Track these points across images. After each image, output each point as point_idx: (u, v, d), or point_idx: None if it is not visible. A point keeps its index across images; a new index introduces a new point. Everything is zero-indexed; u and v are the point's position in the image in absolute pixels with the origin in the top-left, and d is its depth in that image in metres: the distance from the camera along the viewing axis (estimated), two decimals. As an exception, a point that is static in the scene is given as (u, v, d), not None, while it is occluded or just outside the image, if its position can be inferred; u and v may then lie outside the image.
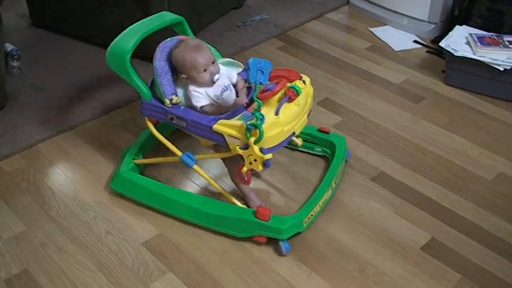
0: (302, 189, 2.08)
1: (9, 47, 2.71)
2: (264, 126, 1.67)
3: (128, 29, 1.93)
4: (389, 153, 2.25)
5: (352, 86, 2.68)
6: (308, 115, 1.86)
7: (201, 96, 1.83)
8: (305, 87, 1.81)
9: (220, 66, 1.85)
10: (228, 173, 1.97)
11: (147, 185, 2.01)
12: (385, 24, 3.19)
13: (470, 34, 2.63)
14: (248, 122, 1.67)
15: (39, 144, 2.33)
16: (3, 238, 1.92)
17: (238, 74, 1.92)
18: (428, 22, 3.02)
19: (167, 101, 1.85)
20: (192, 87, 1.83)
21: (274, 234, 1.82)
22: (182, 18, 2.02)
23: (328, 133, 2.17)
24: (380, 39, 3.06)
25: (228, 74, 1.88)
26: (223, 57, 2.02)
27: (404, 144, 2.30)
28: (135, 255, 1.85)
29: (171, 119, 1.86)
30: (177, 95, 1.85)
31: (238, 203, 1.91)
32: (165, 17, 2.00)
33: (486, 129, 2.39)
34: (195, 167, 1.92)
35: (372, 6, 3.27)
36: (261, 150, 1.69)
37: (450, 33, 2.70)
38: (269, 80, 1.81)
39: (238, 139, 1.72)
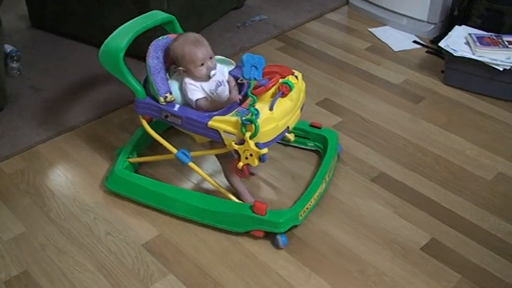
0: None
1: (8, 48, 2.71)
2: (259, 121, 1.69)
3: (119, 28, 1.95)
4: (389, 153, 2.25)
5: (352, 86, 2.68)
6: (301, 110, 1.89)
7: (196, 89, 1.85)
8: (297, 82, 1.84)
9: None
10: (223, 172, 1.99)
11: (142, 183, 2.02)
12: (385, 25, 3.19)
13: (469, 34, 2.63)
14: (243, 117, 1.70)
15: (39, 145, 2.33)
16: (3, 239, 1.92)
17: (231, 71, 1.95)
18: (428, 22, 3.02)
19: (162, 99, 1.86)
20: (187, 80, 1.85)
21: (271, 228, 1.84)
22: (173, 17, 2.04)
23: (319, 128, 2.19)
24: (379, 39, 3.06)
25: (220, 70, 1.90)
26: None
27: (404, 145, 2.30)
28: (135, 257, 1.85)
29: (166, 116, 1.88)
30: (171, 93, 1.87)
31: (235, 199, 1.93)
32: (156, 16, 2.02)
33: (485, 129, 2.39)
34: (191, 164, 1.93)
35: (372, 6, 3.27)
36: (256, 145, 1.71)
37: (449, 33, 2.70)
38: (262, 76, 1.82)
39: (234, 135, 1.75)
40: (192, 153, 1.94)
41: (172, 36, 1.93)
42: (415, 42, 3.02)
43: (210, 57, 1.84)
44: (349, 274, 1.78)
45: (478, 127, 2.40)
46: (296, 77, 1.85)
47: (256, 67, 1.77)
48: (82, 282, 1.77)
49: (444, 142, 2.31)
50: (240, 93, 1.87)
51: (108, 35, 1.97)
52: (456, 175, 2.15)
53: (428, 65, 2.82)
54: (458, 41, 2.62)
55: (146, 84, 1.93)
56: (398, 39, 3.05)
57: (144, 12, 2.04)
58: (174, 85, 1.90)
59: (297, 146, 2.25)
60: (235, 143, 1.74)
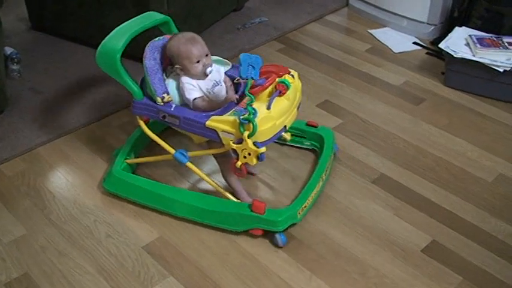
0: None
1: (8, 50, 2.70)
2: (256, 120, 1.70)
3: (115, 29, 1.95)
4: (389, 155, 2.25)
5: (352, 88, 2.68)
6: (297, 109, 1.90)
7: (193, 89, 1.86)
8: (294, 81, 1.85)
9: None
10: (220, 171, 2.00)
11: (140, 183, 2.02)
12: (385, 26, 3.19)
13: (469, 35, 2.63)
14: (241, 117, 1.70)
15: (39, 147, 2.33)
16: (4, 242, 1.92)
17: (227, 71, 1.96)
18: (428, 24, 3.02)
19: (159, 100, 1.87)
20: (184, 78, 1.86)
21: (270, 227, 1.84)
22: (169, 18, 2.04)
23: (316, 127, 2.20)
24: (379, 41, 3.06)
25: (216, 70, 1.91)
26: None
27: (404, 146, 2.30)
28: (136, 259, 1.85)
29: (163, 117, 1.88)
30: (168, 94, 1.88)
31: (233, 198, 1.93)
32: (152, 17, 2.02)
33: (486, 131, 2.39)
34: (188, 164, 1.94)
35: (372, 8, 3.27)
36: (254, 144, 1.72)
37: (450, 34, 2.70)
38: (259, 76, 1.83)
39: (232, 134, 1.75)
40: (190, 153, 1.94)
41: (168, 37, 1.94)
42: (415, 43, 3.02)
43: (206, 55, 1.85)
44: (349, 276, 1.78)
45: (479, 129, 2.40)
46: (292, 76, 1.86)
47: (253, 66, 1.78)
48: (82, 284, 1.77)
49: (445, 144, 2.31)
50: (236, 93, 1.88)
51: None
52: (457, 177, 2.15)
53: (428, 67, 2.82)
54: (459, 42, 2.62)
55: (143, 84, 1.94)
56: (399, 41, 3.05)
57: (144, 14, 2.05)
58: (171, 85, 1.91)
59: (294, 145, 2.26)
60: (234, 142, 1.75)
